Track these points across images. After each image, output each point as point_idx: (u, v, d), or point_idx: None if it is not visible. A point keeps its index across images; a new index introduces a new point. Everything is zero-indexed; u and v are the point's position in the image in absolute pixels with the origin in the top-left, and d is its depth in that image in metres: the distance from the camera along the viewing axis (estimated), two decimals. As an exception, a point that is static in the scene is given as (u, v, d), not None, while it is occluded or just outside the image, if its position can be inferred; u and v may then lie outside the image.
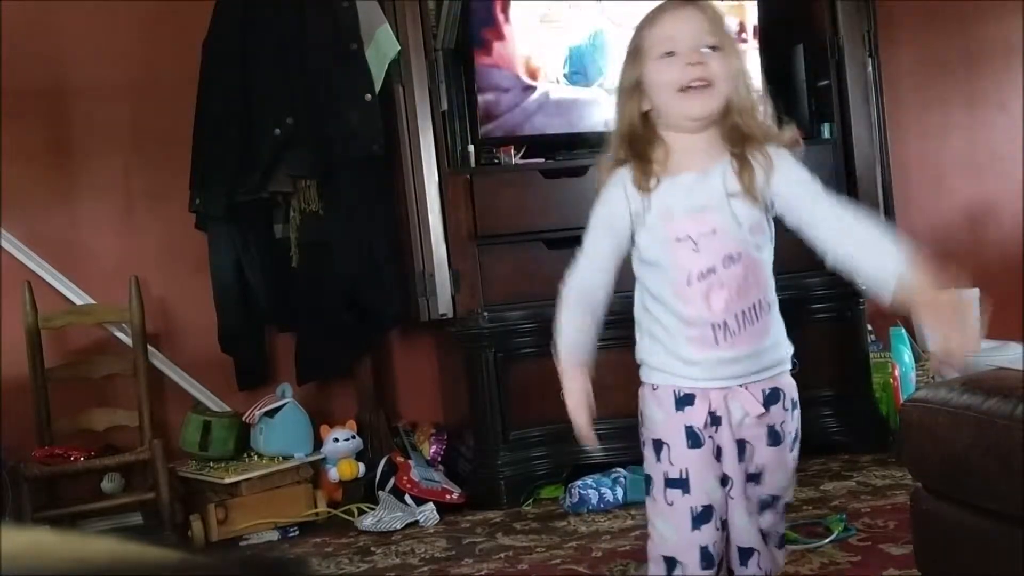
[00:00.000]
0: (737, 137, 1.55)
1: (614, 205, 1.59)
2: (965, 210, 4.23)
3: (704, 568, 1.54)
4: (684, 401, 1.55)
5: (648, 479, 1.61)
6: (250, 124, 3.20)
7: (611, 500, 3.03)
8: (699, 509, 1.54)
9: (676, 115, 1.55)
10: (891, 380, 3.54)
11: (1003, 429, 1.59)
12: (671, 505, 1.55)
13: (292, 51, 3.21)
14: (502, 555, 2.70)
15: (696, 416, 1.55)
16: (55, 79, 3.39)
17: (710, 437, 1.55)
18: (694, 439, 1.55)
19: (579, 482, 3.07)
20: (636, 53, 1.57)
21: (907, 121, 4.07)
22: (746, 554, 1.60)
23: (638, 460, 3.17)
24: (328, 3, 3.21)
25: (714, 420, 1.55)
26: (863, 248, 1.50)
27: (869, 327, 3.59)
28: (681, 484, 1.55)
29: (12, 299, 3.20)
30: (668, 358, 1.56)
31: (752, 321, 1.54)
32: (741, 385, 1.55)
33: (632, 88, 1.57)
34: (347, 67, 3.19)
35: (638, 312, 1.62)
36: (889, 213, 3.55)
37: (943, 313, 1.39)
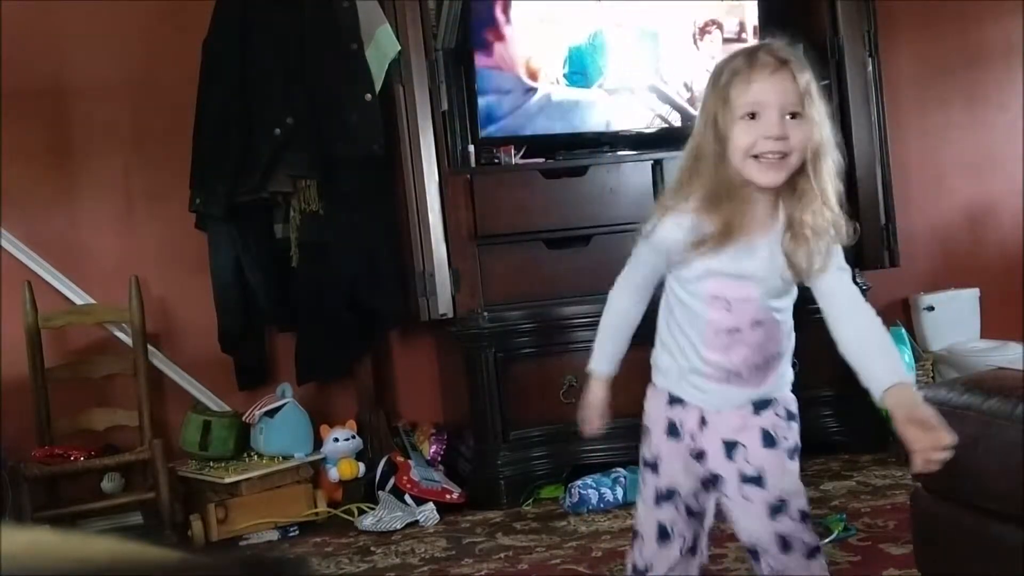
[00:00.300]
0: (799, 200, 1.58)
1: (668, 243, 1.64)
2: (965, 210, 4.23)
3: (659, 541, 1.69)
4: (676, 400, 1.68)
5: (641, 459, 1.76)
6: (250, 124, 3.20)
7: (611, 500, 3.03)
8: (663, 489, 1.69)
9: (744, 175, 1.57)
10: (891, 380, 3.53)
11: (1003, 429, 1.60)
12: (644, 484, 1.73)
13: (292, 51, 3.21)
14: (502, 555, 2.70)
15: (676, 412, 1.68)
16: (55, 79, 3.39)
17: (691, 436, 1.66)
18: (672, 430, 1.68)
19: (579, 482, 3.07)
20: (724, 99, 1.56)
21: (907, 121, 4.07)
22: (754, 555, 1.66)
23: (638, 460, 3.17)
24: (328, 3, 3.21)
25: (703, 422, 1.65)
26: (868, 352, 1.58)
27: (869, 327, 3.59)
28: (653, 466, 1.71)
29: (12, 299, 3.21)
30: (680, 380, 1.67)
31: (764, 370, 1.64)
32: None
33: (715, 129, 1.57)
34: (347, 67, 3.19)
35: (662, 328, 1.71)
36: (889, 213, 3.55)
37: (922, 425, 1.43)
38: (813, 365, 3.43)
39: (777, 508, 1.62)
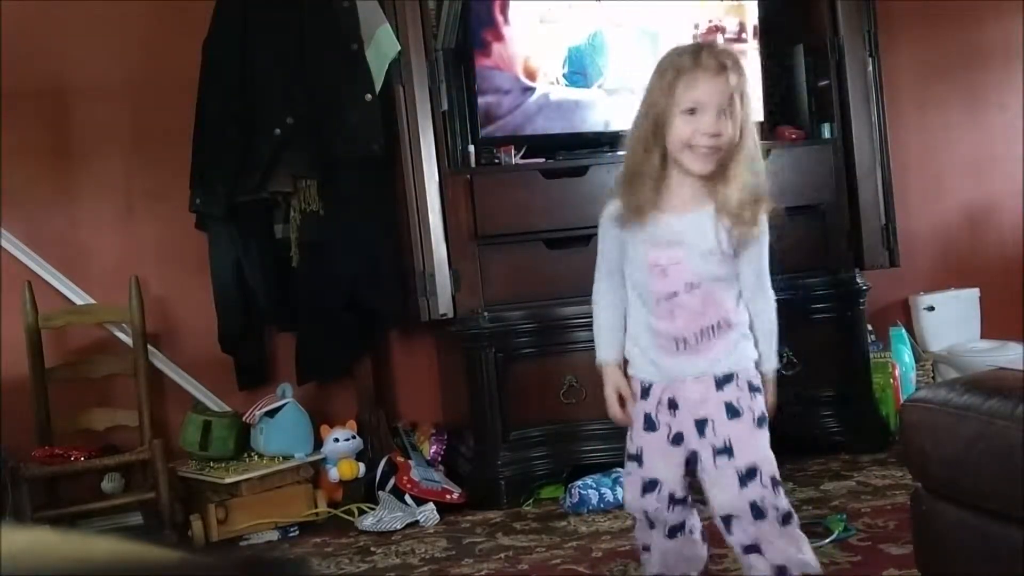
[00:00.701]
0: (726, 180, 1.79)
1: (611, 240, 1.92)
2: (965, 210, 4.23)
3: (648, 527, 1.90)
4: (645, 392, 1.88)
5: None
6: (250, 124, 3.20)
7: (611, 500, 3.03)
8: (647, 480, 1.86)
9: (679, 163, 1.80)
10: (891, 380, 3.54)
11: (1003, 429, 1.59)
12: (630, 474, 1.90)
13: (292, 51, 3.21)
14: (502, 555, 2.70)
15: (650, 404, 1.86)
16: (55, 79, 3.39)
17: (667, 424, 1.84)
18: (649, 423, 1.86)
19: (579, 482, 3.07)
20: (668, 92, 1.77)
21: (907, 121, 4.07)
22: (726, 521, 1.81)
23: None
24: (328, 3, 3.21)
25: (671, 405, 1.84)
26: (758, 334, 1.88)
27: (869, 327, 3.60)
28: (636, 459, 1.89)
29: (12, 299, 3.21)
30: (641, 358, 1.89)
31: (709, 337, 1.82)
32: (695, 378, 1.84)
33: (656, 120, 1.79)
34: (347, 67, 3.19)
35: (629, 324, 1.94)
36: (889, 213, 3.55)
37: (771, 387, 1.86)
38: (813, 365, 3.44)
39: (747, 476, 1.78)
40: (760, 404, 1.83)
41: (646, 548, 1.94)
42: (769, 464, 1.80)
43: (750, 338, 1.86)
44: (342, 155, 3.21)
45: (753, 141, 1.80)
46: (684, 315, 1.81)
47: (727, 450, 1.78)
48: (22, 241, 3.35)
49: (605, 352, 1.96)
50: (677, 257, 1.81)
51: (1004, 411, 1.61)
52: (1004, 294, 4.10)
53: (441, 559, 2.73)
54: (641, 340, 1.88)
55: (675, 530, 1.90)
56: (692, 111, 1.75)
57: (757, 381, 1.84)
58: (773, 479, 1.79)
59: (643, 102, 1.84)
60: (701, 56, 1.77)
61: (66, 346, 3.37)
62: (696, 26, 3.46)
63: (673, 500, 1.86)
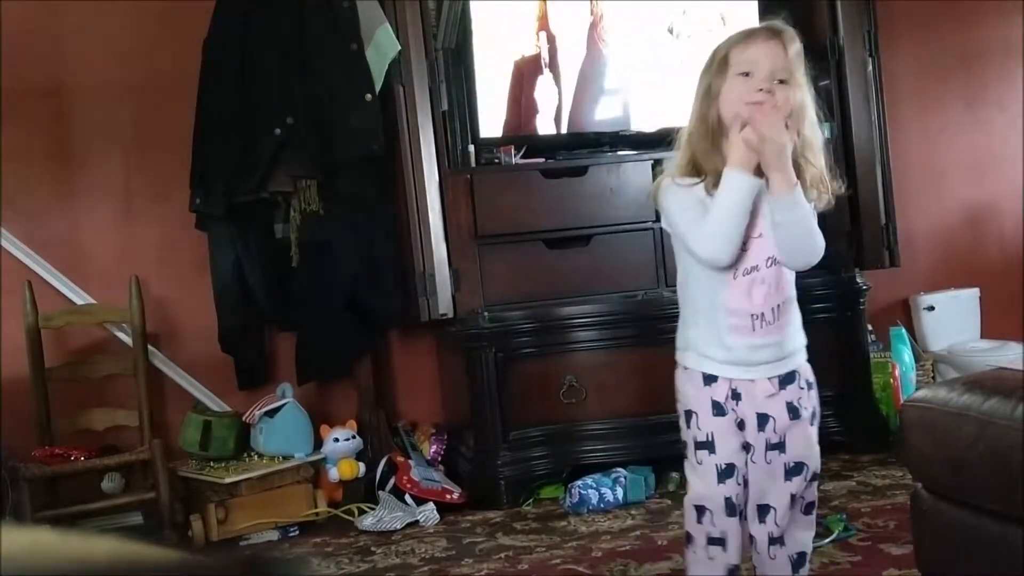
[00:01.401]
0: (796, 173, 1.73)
1: (688, 198, 1.78)
2: (965, 210, 4.23)
3: (728, 515, 1.80)
4: (710, 379, 1.80)
5: (684, 443, 1.85)
6: (250, 124, 3.20)
7: (611, 500, 3.03)
8: (723, 466, 1.80)
9: (743, 120, 1.72)
10: (891, 380, 3.54)
11: (1003, 429, 1.59)
12: (701, 464, 1.81)
13: (292, 51, 3.21)
14: (502, 555, 2.70)
15: (719, 392, 1.80)
16: (55, 79, 3.39)
17: (732, 410, 1.79)
18: (718, 409, 1.80)
19: (579, 482, 3.07)
20: (721, 64, 1.75)
21: (907, 121, 4.07)
22: (764, 510, 1.81)
23: (638, 460, 3.17)
24: (328, 3, 3.21)
25: (734, 395, 1.79)
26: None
27: (869, 327, 3.60)
28: (708, 446, 1.80)
29: (12, 299, 3.21)
30: (707, 340, 1.79)
31: (784, 313, 1.79)
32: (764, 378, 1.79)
33: (708, 94, 1.77)
34: (347, 67, 3.19)
35: (683, 303, 1.86)
36: (889, 213, 3.55)
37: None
38: (813, 365, 3.44)
39: (794, 471, 1.80)
40: (815, 400, 1.83)
41: (715, 541, 1.81)
42: (815, 460, 1.83)
43: (799, 313, 1.83)
44: (342, 155, 3.21)
45: (813, 130, 1.76)
46: (762, 290, 1.76)
47: (780, 445, 1.79)
48: (22, 241, 3.35)
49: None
50: (759, 228, 1.75)
51: (1004, 411, 1.61)
52: (1004, 294, 4.10)
53: (441, 559, 2.73)
54: (708, 320, 1.79)
55: (717, 542, 1.82)
56: (746, 74, 1.72)
57: (812, 377, 1.83)
58: (815, 473, 1.83)
59: (696, 97, 1.81)
60: (754, 29, 1.81)
61: (66, 346, 3.37)
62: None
63: (743, 483, 1.82)
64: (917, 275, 4.05)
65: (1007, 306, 4.07)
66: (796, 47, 1.75)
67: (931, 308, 4.00)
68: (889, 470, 3.12)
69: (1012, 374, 1.76)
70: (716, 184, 1.74)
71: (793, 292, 1.81)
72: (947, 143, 4.19)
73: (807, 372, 1.83)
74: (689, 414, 1.82)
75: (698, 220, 1.75)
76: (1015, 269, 4.15)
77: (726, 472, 1.80)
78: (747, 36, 1.77)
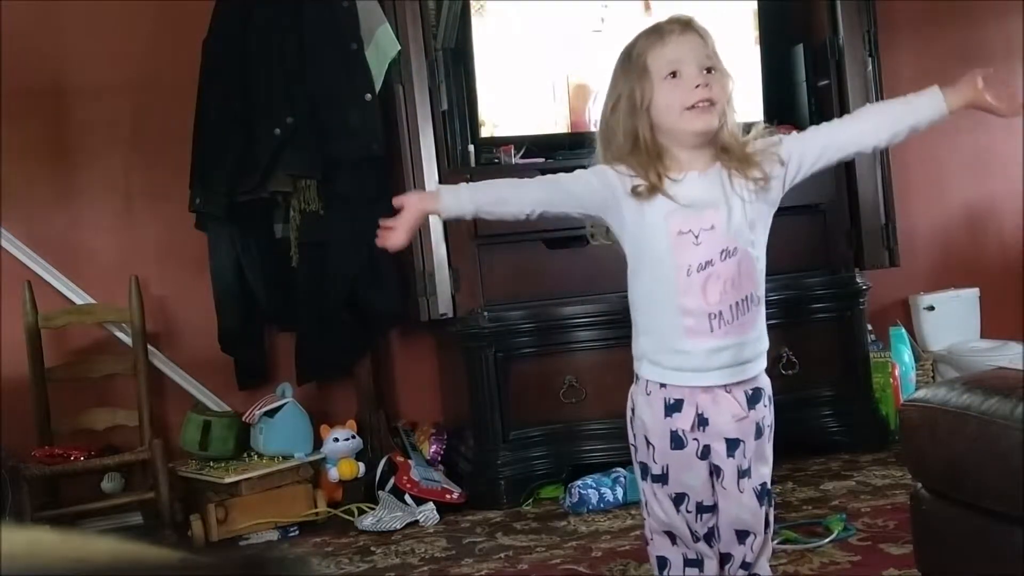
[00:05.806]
0: (727, 155, 1.68)
1: (603, 187, 1.68)
2: (965, 210, 4.23)
3: (692, 539, 1.75)
4: (673, 408, 1.68)
5: (640, 465, 1.77)
6: (250, 124, 3.20)
7: (611, 500, 3.03)
8: (674, 495, 1.73)
9: (681, 132, 1.65)
10: (891, 380, 3.54)
11: (1003, 429, 1.59)
12: (655, 495, 1.75)
13: (292, 51, 3.20)
14: (502, 555, 2.70)
15: (683, 421, 1.68)
16: (55, 79, 3.39)
17: (695, 439, 1.69)
18: (677, 442, 1.69)
19: (579, 482, 3.07)
20: (641, 71, 1.66)
21: (907, 121, 4.06)
22: (743, 535, 1.74)
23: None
24: (328, 3, 3.21)
25: (701, 422, 1.68)
26: (892, 108, 1.91)
27: (869, 327, 3.59)
28: (661, 479, 1.73)
29: (12, 299, 3.21)
30: (661, 348, 1.68)
31: (744, 311, 1.66)
32: (726, 387, 1.68)
33: (635, 107, 1.66)
34: (347, 67, 3.19)
35: (634, 309, 1.74)
36: (889, 213, 3.55)
37: (989, 83, 1.86)
38: (813, 365, 3.44)
39: (762, 493, 1.73)
40: (772, 413, 1.74)
41: (663, 566, 1.78)
42: (769, 475, 1.75)
43: (764, 316, 1.72)
44: (342, 155, 3.21)
45: (734, 113, 1.69)
46: (718, 287, 1.63)
47: (748, 471, 1.71)
48: (22, 241, 3.35)
49: (454, 192, 1.82)
50: (710, 220, 1.64)
51: (1004, 411, 1.61)
52: (1004, 294, 4.10)
53: (441, 559, 2.73)
54: (662, 324, 1.67)
55: (695, 563, 1.76)
56: (673, 74, 1.63)
57: (770, 391, 1.74)
58: (770, 491, 1.76)
59: (608, 97, 1.71)
60: (661, 25, 1.69)
61: (66, 346, 3.37)
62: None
63: (701, 509, 1.73)
64: (917, 275, 4.05)
65: (1007, 306, 4.07)
66: (708, 31, 1.68)
67: (931, 308, 4.00)
68: (889, 470, 3.12)
69: (1012, 374, 1.76)
70: (651, 191, 1.64)
71: (760, 291, 1.69)
72: (947, 143, 4.19)
73: (768, 386, 1.73)
74: (647, 442, 1.72)
75: (560, 175, 1.73)
76: (1015, 269, 4.15)
77: (678, 500, 1.73)
78: (660, 35, 1.66)
